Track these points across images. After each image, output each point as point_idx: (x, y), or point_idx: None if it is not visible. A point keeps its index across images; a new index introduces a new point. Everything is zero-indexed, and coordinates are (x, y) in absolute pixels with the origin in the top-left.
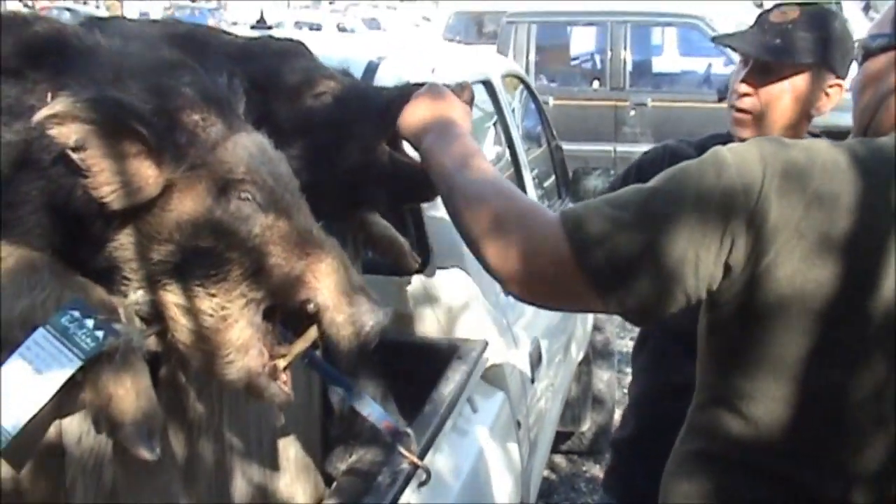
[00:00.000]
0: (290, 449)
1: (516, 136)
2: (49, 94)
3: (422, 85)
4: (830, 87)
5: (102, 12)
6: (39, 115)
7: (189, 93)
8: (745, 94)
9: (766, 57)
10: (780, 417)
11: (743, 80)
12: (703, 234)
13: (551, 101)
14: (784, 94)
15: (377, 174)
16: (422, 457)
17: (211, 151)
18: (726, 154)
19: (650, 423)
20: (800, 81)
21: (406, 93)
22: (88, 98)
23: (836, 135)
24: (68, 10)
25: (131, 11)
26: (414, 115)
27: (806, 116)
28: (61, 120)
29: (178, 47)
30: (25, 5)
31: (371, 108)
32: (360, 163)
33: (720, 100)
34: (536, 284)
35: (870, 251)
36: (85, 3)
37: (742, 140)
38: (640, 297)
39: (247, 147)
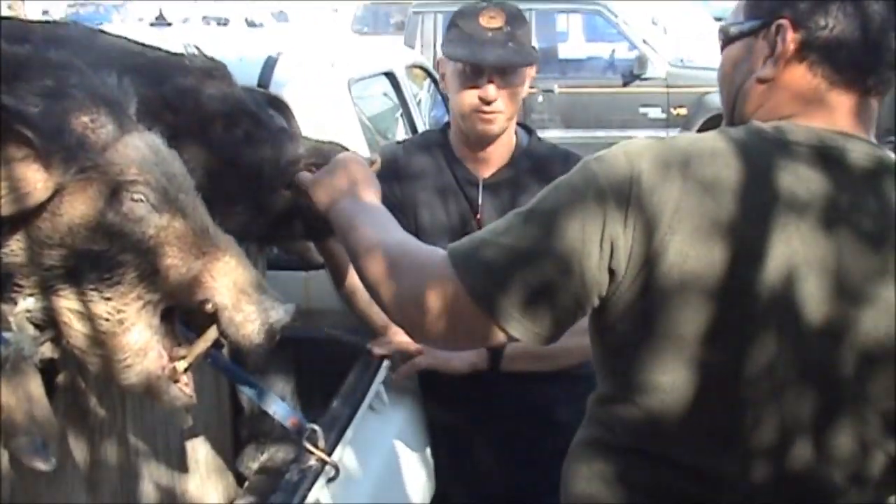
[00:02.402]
0: (199, 450)
1: (422, 126)
2: None
3: (333, 145)
4: None
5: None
6: None
7: (77, 94)
8: None
9: None
10: (675, 404)
11: None
12: (583, 242)
13: None
14: None
15: (278, 213)
16: (331, 452)
17: (101, 153)
18: (591, 163)
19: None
20: None
21: (318, 152)
22: None
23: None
24: None
25: (34, 11)
26: (323, 186)
27: None
28: None
29: (67, 50)
30: None
31: (279, 158)
32: (259, 202)
33: (625, 84)
34: (436, 324)
35: (753, 231)
36: None
37: None
38: (532, 312)
39: (138, 147)
